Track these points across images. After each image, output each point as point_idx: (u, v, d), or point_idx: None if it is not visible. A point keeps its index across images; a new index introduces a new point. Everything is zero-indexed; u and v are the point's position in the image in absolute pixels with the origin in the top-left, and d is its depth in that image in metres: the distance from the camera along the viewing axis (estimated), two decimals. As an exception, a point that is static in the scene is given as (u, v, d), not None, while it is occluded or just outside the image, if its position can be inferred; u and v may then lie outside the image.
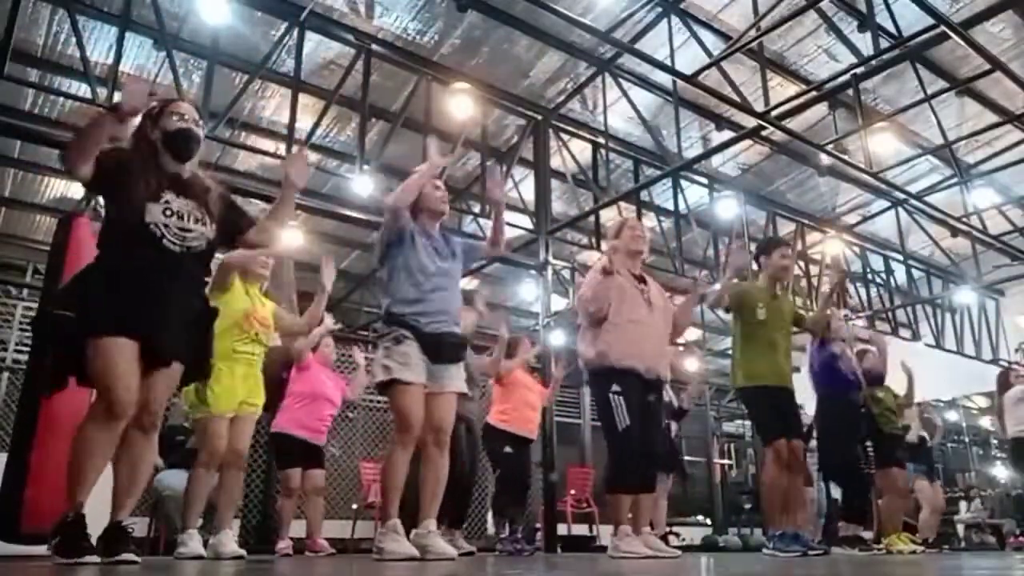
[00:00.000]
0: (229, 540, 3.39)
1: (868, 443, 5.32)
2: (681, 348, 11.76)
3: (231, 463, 3.47)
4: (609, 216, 8.53)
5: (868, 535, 4.85)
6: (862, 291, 10.51)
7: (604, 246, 4.36)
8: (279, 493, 5.08)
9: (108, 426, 2.27)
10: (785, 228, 9.24)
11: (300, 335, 4.34)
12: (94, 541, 2.28)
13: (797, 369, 4.31)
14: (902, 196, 8.27)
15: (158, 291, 2.36)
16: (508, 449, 5.15)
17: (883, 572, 2.34)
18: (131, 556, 2.28)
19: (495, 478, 5.40)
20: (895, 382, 5.45)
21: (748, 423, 10.91)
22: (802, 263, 9.44)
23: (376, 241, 3.19)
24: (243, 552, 3.43)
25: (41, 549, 3.80)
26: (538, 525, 6.79)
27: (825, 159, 7.97)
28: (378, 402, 6.65)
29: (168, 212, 2.39)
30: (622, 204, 8.09)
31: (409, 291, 2.99)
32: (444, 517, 4.91)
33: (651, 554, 3.41)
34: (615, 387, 3.42)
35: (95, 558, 2.19)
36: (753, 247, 5.20)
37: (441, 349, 2.97)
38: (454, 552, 2.86)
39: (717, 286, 4.55)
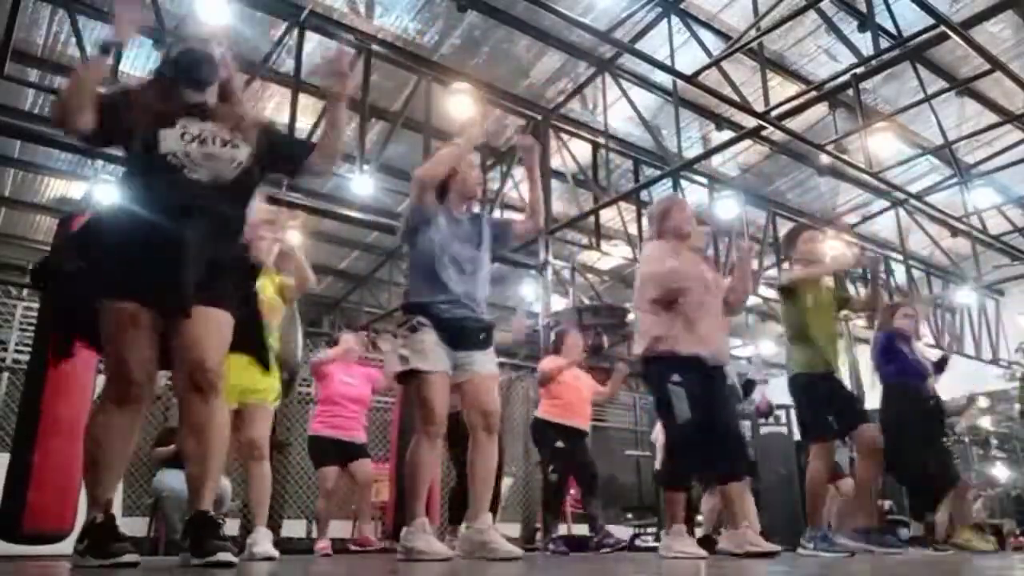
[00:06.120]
0: (263, 539, 3.18)
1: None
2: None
3: (249, 455, 3.29)
4: (609, 216, 8.55)
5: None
6: (861, 291, 10.50)
7: (647, 230, 4.01)
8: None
9: (123, 410, 1.94)
10: (785, 228, 9.22)
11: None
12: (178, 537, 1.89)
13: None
14: (902, 196, 8.26)
15: (180, 234, 1.91)
16: (560, 444, 4.86)
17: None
18: (227, 555, 1.84)
19: (548, 475, 5.04)
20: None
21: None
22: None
23: (402, 218, 2.96)
24: (275, 553, 3.18)
25: (42, 549, 3.81)
26: (538, 525, 6.78)
27: (825, 159, 7.97)
28: (378, 401, 6.63)
29: (187, 137, 2.01)
30: (622, 204, 8.09)
31: (429, 277, 2.78)
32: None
33: (748, 551, 3.04)
34: (675, 377, 3.15)
35: (135, 556, 1.84)
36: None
37: (462, 335, 2.76)
38: (519, 551, 2.63)
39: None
